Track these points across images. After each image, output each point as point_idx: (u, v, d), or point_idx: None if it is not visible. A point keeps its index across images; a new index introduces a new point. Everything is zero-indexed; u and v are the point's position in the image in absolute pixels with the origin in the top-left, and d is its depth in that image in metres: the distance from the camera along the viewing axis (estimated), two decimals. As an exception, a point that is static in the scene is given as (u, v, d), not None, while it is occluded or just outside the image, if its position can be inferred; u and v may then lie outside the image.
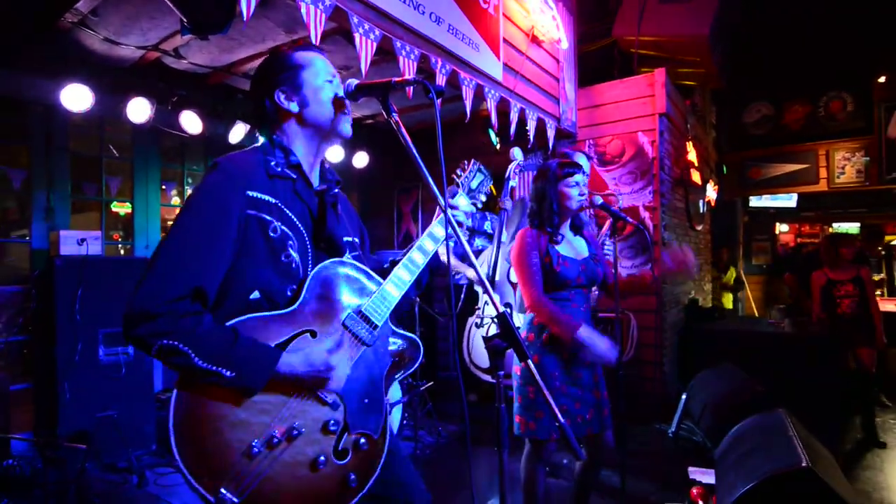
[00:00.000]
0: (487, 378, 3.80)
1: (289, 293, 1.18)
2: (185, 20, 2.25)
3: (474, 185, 1.51)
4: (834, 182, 7.49)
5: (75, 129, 3.86)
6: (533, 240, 2.18)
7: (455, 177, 1.52)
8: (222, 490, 1.00)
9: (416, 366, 1.35)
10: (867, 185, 7.26)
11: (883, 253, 8.27)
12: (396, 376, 1.33)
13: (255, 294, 1.15)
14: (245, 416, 1.05)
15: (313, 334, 1.16)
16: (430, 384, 3.73)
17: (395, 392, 3.41)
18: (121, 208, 4.27)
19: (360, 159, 5.32)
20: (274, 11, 2.91)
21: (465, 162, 1.54)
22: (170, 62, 3.65)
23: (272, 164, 1.22)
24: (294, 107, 1.26)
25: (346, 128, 1.31)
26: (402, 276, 1.29)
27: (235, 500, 1.01)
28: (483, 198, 1.52)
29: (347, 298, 1.23)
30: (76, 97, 3.25)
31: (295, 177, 1.25)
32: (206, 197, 1.12)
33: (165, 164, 4.41)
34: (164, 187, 4.47)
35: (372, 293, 1.26)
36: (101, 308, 3.31)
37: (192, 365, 1.01)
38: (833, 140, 7.48)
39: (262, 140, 1.30)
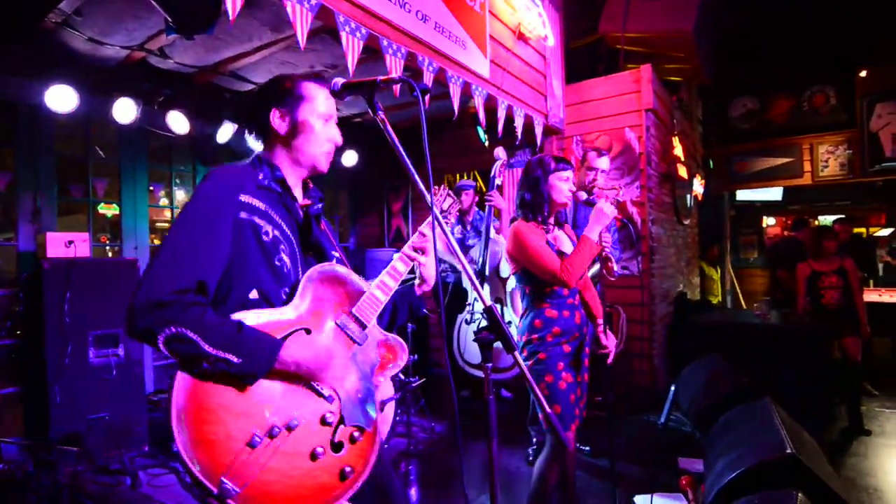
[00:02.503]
0: (479, 374, 3.83)
1: (283, 295, 1.25)
2: (169, 20, 2.24)
3: (445, 206, 1.62)
4: (818, 175, 7.59)
5: (61, 131, 3.83)
6: (531, 230, 2.22)
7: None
8: (223, 479, 1.01)
9: (401, 365, 1.42)
10: (851, 177, 7.37)
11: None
12: (383, 374, 1.39)
13: (254, 294, 1.22)
14: (247, 407, 1.08)
15: (308, 332, 1.22)
16: (422, 381, 3.75)
17: (387, 389, 3.42)
18: (108, 210, 4.23)
19: (350, 158, 5.32)
20: (260, 10, 2.90)
21: (435, 188, 1.62)
22: (155, 62, 3.63)
23: (259, 177, 1.30)
24: (283, 128, 1.34)
25: (323, 166, 1.39)
26: (387, 282, 1.38)
27: (237, 490, 1.02)
28: (452, 219, 1.63)
29: (338, 300, 1.31)
30: (61, 98, 3.22)
31: (280, 190, 1.32)
32: (202, 201, 1.19)
33: (153, 164, 4.38)
34: (151, 188, 4.44)
35: (360, 296, 1.33)
36: (90, 310, 3.29)
37: (200, 352, 1.03)
38: (817, 134, 7.58)
39: (251, 158, 1.39)
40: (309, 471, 1.13)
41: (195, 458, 1.00)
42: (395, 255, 1.44)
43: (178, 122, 3.83)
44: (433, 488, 3.11)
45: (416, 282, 1.52)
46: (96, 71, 3.63)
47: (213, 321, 1.07)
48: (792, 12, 7.09)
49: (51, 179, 3.73)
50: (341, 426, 1.21)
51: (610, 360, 2.33)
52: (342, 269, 1.34)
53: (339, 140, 1.39)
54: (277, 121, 1.33)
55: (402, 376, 3.71)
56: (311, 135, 1.34)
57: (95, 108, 3.51)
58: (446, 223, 1.58)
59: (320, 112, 1.35)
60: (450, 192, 1.64)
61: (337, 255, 1.45)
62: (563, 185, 2.24)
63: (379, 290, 1.35)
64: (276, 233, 1.25)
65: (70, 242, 3.36)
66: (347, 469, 1.19)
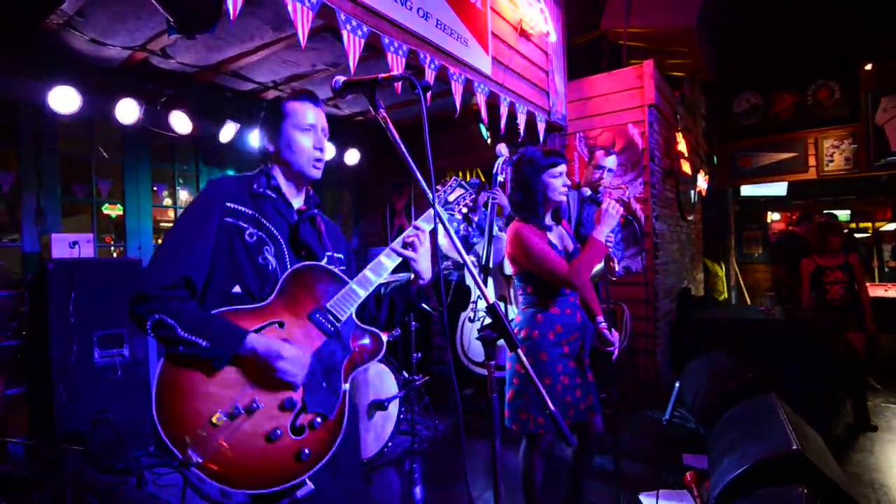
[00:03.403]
0: (482, 372, 3.83)
1: (265, 292, 1.36)
2: (170, 20, 2.24)
3: (451, 198, 1.62)
4: (823, 170, 7.56)
5: (64, 131, 3.83)
6: (532, 230, 2.17)
7: (437, 190, 1.59)
8: (189, 450, 1.17)
9: (378, 357, 1.48)
10: (856, 172, 7.33)
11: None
12: (357, 366, 1.45)
13: (237, 288, 1.36)
14: (213, 389, 1.23)
15: (281, 325, 1.33)
16: (426, 379, 3.75)
17: (391, 387, 3.43)
18: (112, 210, 4.24)
19: (352, 156, 5.32)
20: (261, 9, 2.89)
21: (445, 179, 1.65)
22: (157, 62, 3.63)
23: (255, 186, 1.45)
24: (271, 147, 1.49)
25: (312, 173, 1.49)
26: (369, 277, 1.44)
27: (199, 459, 1.17)
28: (464, 209, 1.62)
29: (316, 295, 1.39)
30: (64, 99, 3.23)
31: (274, 196, 1.46)
32: (195, 205, 1.39)
33: (156, 164, 4.38)
34: (155, 189, 4.45)
35: (338, 292, 1.41)
36: (95, 310, 3.30)
37: (176, 335, 1.21)
38: (821, 128, 7.54)
39: (257, 169, 1.52)
40: (266, 449, 1.25)
41: (167, 430, 1.18)
42: (382, 253, 1.48)
43: (180, 122, 3.83)
44: (437, 486, 3.12)
45: (411, 276, 1.54)
46: (99, 72, 3.63)
47: (190, 310, 1.26)
48: (796, 7, 7.04)
49: (54, 180, 3.74)
50: (303, 413, 1.31)
51: (614, 356, 2.31)
52: (323, 267, 1.42)
53: (323, 148, 1.49)
54: (267, 143, 1.50)
55: (405, 374, 3.72)
56: (295, 148, 1.46)
57: (98, 109, 3.51)
58: (453, 214, 1.60)
59: (302, 126, 1.46)
60: (461, 182, 1.63)
61: (332, 254, 1.52)
62: (556, 182, 2.16)
63: (358, 286, 1.42)
64: (262, 234, 1.39)
65: (74, 243, 3.37)
66: (305, 451, 1.28)
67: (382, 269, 1.45)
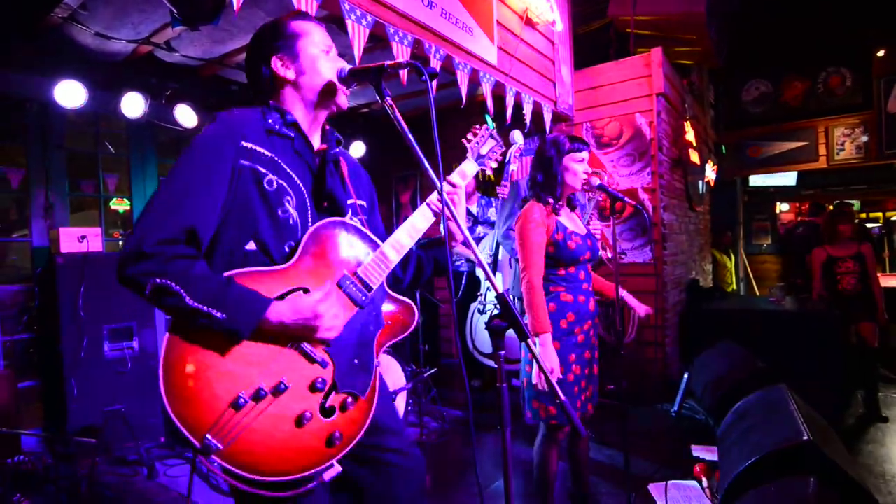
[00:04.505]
0: (491, 363, 3.83)
1: (286, 249, 1.18)
2: (175, 11, 2.24)
3: (484, 150, 1.50)
4: (834, 159, 7.45)
5: (71, 126, 3.85)
6: (541, 216, 2.15)
7: (465, 141, 1.50)
8: (207, 436, 1.01)
9: (410, 331, 1.35)
10: (867, 161, 7.22)
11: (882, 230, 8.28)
12: (390, 340, 1.33)
13: (251, 245, 1.16)
14: (233, 367, 1.06)
15: (306, 292, 1.16)
16: (433, 371, 3.75)
17: (399, 379, 3.43)
18: (119, 205, 4.26)
19: (357, 149, 5.30)
20: (264, 0, 2.88)
21: (477, 126, 1.51)
22: (162, 55, 3.63)
23: (269, 121, 1.23)
24: (290, 74, 1.27)
25: (342, 99, 1.31)
26: (402, 240, 1.30)
27: (220, 446, 1.01)
28: (493, 164, 1.51)
29: (344, 259, 1.23)
30: (70, 93, 3.24)
31: (293, 135, 1.26)
32: (202, 144, 1.14)
33: (162, 158, 4.40)
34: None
35: (369, 254, 1.26)
36: (104, 304, 3.33)
37: (184, 305, 1.01)
38: (832, 116, 7.43)
39: (260, 106, 1.30)
40: (295, 434, 1.11)
41: (181, 414, 1.00)
42: (417, 210, 1.34)
43: (185, 116, 3.83)
44: (446, 478, 3.12)
45: (445, 236, 1.37)
46: (104, 66, 3.63)
47: (200, 274, 1.04)
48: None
49: (62, 175, 3.76)
50: (333, 392, 1.18)
51: (642, 318, 2.33)
52: (351, 225, 1.26)
53: (346, 67, 1.30)
54: (282, 69, 1.27)
55: (413, 366, 3.72)
56: (319, 67, 1.27)
57: (104, 104, 3.52)
58: (488, 165, 1.49)
59: (319, 44, 1.29)
60: (493, 132, 1.51)
61: (354, 202, 1.36)
62: (577, 167, 2.20)
63: (392, 249, 1.28)
64: (283, 182, 1.19)
65: (83, 237, 3.39)
66: (336, 434, 1.16)
67: (416, 230, 1.32)
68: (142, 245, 1.01)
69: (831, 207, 6.25)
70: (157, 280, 1.00)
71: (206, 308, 1.01)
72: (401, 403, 3.41)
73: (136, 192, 4.19)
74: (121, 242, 4.32)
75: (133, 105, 3.56)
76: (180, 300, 1.00)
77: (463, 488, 2.97)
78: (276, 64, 1.27)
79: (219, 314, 1.02)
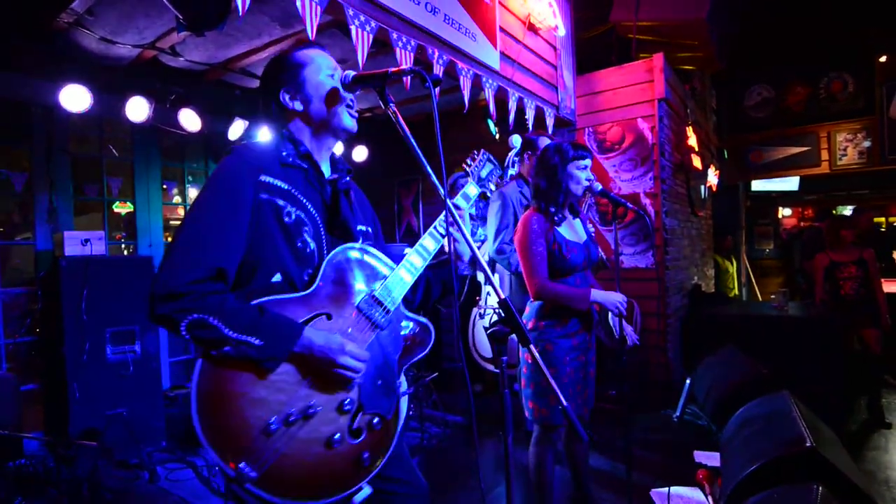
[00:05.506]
0: (492, 368, 3.82)
1: (305, 277, 1.22)
2: (180, 17, 2.25)
3: (483, 174, 1.55)
4: (836, 164, 7.44)
5: (75, 130, 3.87)
6: (539, 227, 2.17)
7: (465, 166, 1.56)
8: (241, 465, 1.04)
9: (427, 350, 1.38)
10: (869, 166, 7.21)
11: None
12: (409, 359, 1.35)
13: (277, 276, 1.19)
14: (264, 394, 1.09)
15: (329, 317, 1.19)
16: (435, 375, 3.75)
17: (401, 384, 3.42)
18: (122, 208, 4.28)
19: (360, 153, 5.32)
20: (269, 6, 2.90)
21: (475, 152, 1.57)
22: (167, 60, 3.65)
23: (283, 154, 1.27)
24: (298, 105, 1.31)
25: (349, 122, 1.33)
26: (414, 262, 1.32)
27: (254, 474, 1.04)
28: (493, 186, 1.57)
29: (361, 283, 1.26)
30: (75, 98, 3.25)
31: (306, 167, 1.29)
32: (221, 180, 1.17)
33: (166, 162, 4.42)
34: (165, 187, 4.48)
35: (385, 278, 1.29)
36: (107, 307, 3.34)
37: (222, 336, 1.04)
38: (834, 122, 7.43)
39: (274, 137, 1.35)
40: (325, 457, 1.13)
41: (215, 444, 1.04)
42: (426, 234, 1.37)
43: (189, 120, 3.85)
44: (447, 483, 3.12)
45: (453, 258, 1.39)
46: (109, 70, 3.65)
47: (234, 307, 1.08)
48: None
49: (66, 179, 3.78)
50: (360, 413, 1.20)
51: (628, 349, 2.31)
52: (365, 250, 1.30)
53: (350, 73, 1.30)
54: (290, 101, 1.30)
55: (414, 371, 3.72)
56: (329, 96, 1.29)
57: (108, 108, 3.54)
58: (488, 188, 1.54)
59: (328, 69, 1.31)
60: (490, 156, 1.57)
61: (364, 228, 1.40)
62: (580, 174, 2.21)
63: (405, 271, 1.30)
64: (300, 213, 1.22)
65: (86, 241, 3.40)
66: (365, 455, 1.19)
67: (427, 252, 1.34)
68: (173, 285, 1.04)
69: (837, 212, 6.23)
70: (195, 316, 1.04)
71: (244, 337, 1.05)
72: (403, 408, 3.41)
73: (140, 196, 4.20)
74: (124, 247, 4.33)
75: (137, 109, 3.58)
76: (218, 332, 1.04)
77: (464, 493, 2.96)
78: (285, 97, 1.30)
79: (257, 341, 1.06)
